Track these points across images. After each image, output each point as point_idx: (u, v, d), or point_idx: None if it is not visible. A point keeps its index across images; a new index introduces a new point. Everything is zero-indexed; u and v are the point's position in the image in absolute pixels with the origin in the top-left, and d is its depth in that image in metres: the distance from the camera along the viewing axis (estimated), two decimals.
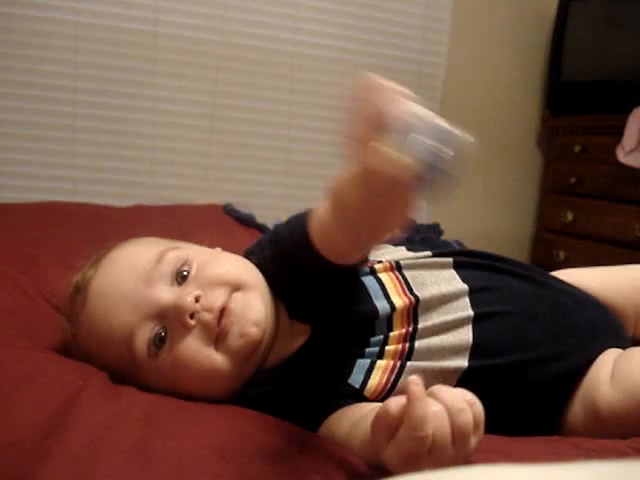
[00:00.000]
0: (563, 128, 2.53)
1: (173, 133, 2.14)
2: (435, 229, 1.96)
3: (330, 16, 2.28)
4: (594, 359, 0.73)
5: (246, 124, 2.22)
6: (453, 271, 0.76)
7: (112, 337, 0.65)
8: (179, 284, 0.67)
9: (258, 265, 0.73)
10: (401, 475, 0.28)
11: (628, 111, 2.08)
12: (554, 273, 0.89)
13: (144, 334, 0.64)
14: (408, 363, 0.69)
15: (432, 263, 0.77)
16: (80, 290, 0.68)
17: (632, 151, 2.07)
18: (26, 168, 1.99)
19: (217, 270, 0.68)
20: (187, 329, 0.64)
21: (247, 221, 1.74)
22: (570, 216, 2.41)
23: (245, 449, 0.54)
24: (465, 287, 0.73)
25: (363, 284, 0.73)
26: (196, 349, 0.64)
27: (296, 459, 0.54)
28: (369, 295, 0.72)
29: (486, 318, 0.71)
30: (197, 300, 0.65)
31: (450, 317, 0.70)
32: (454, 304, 0.72)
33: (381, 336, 0.70)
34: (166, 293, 0.65)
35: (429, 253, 0.79)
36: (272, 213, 1.97)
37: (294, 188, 2.32)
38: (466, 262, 0.78)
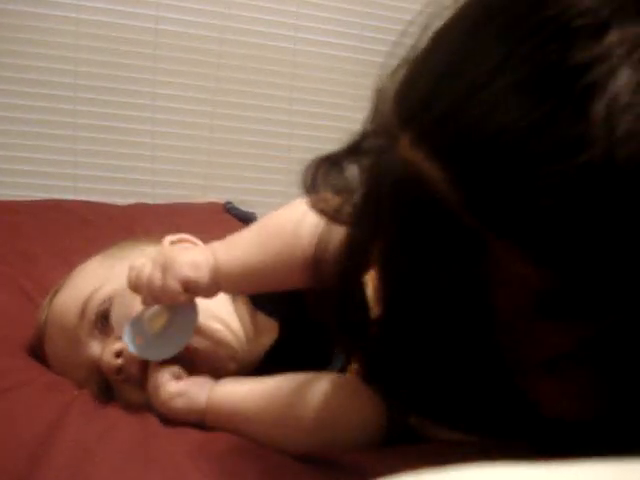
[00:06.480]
0: None
1: (174, 131, 2.13)
2: None
3: (331, 14, 2.27)
4: None
5: (247, 122, 2.21)
6: None
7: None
8: (103, 332, 0.65)
9: None
10: (400, 475, 0.28)
11: None
12: None
13: (92, 387, 0.64)
14: None
15: None
16: (39, 340, 0.70)
17: None
18: (26, 166, 1.98)
19: (134, 310, 0.64)
20: (121, 382, 0.64)
21: (248, 219, 1.73)
22: None
23: (233, 449, 0.54)
24: None
25: None
26: (139, 396, 0.63)
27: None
28: None
29: None
30: (119, 355, 0.63)
31: None
32: None
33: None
34: (94, 350, 0.64)
35: None
36: (273, 211, 1.97)
37: (295, 186, 2.29)
38: None
